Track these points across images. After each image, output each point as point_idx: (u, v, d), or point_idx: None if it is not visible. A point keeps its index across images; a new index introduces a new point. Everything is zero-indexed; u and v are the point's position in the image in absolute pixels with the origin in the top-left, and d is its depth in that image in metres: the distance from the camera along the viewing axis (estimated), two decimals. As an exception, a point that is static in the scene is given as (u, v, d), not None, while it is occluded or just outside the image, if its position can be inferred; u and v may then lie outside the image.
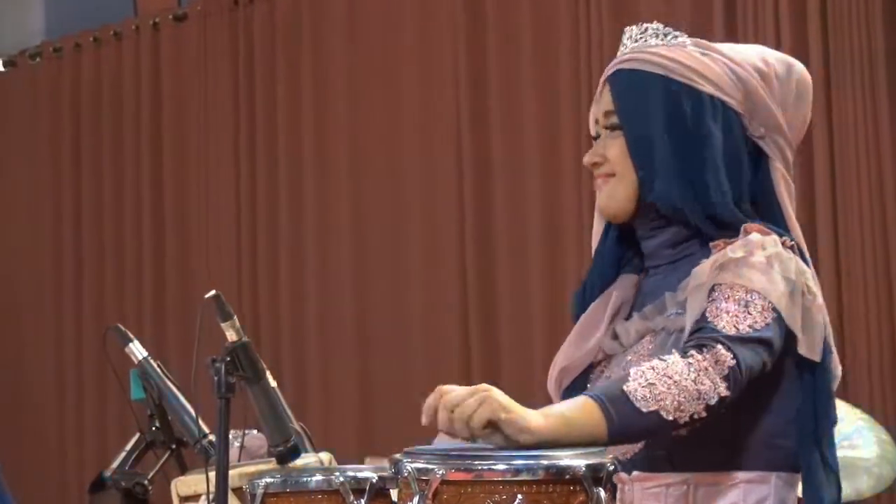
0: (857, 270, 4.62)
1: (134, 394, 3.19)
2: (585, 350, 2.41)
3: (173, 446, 3.19)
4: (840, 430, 3.96)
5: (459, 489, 1.89)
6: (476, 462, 1.90)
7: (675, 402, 2.07)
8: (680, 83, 2.34)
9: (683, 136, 2.33)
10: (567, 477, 1.89)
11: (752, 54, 2.41)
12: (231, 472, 2.42)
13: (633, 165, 2.36)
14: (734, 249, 2.26)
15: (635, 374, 2.08)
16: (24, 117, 6.99)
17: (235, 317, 2.56)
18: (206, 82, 6.40)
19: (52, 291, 6.78)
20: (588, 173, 2.49)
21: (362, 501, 2.27)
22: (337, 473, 2.31)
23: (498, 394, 1.99)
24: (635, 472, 2.27)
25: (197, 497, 2.65)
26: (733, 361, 2.12)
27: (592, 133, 2.45)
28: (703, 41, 2.42)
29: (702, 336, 2.16)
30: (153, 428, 3.20)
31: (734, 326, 2.17)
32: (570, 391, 2.40)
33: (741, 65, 2.36)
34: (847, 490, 3.93)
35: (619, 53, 2.44)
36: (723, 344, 2.13)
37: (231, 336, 2.53)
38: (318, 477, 2.32)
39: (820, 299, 2.28)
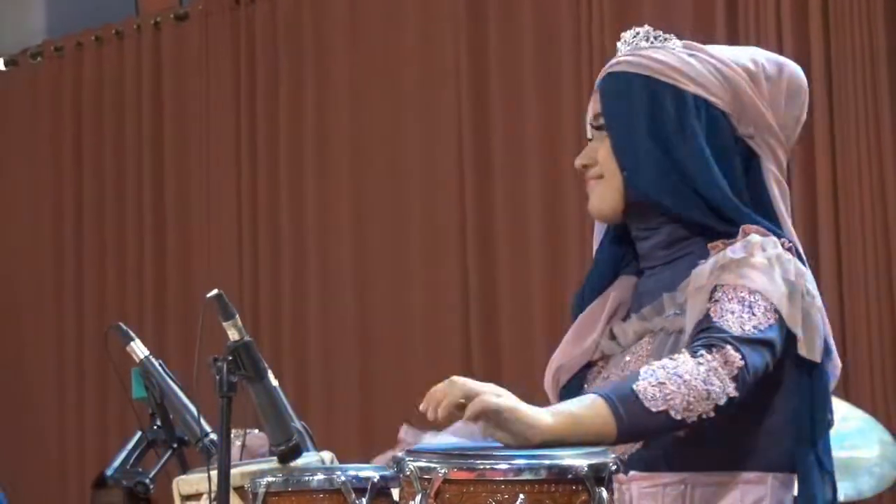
0: (859, 270, 4.61)
1: (135, 393, 3.19)
2: (582, 349, 2.42)
3: (175, 445, 3.19)
4: (842, 431, 3.97)
5: (462, 488, 1.89)
6: (478, 461, 1.90)
7: (685, 402, 2.08)
8: (663, 83, 2.37)
9: (667, 135, 2.35)
10: (569, 477, 1.89)
11: (742, 55, 2.42)
12: (233, 471, 2.42)
13: (617, 166, 2.38)
14: (734, 250, 2.27)
15: (645, 373, 2.08)
16: (26, 116, 6.99)
17: (238, 316, 2.56)
18: (208, 81, 6.40)
19: (53, 290, 6.78)
20: (587, 175, 2.51)
21: (364, 501, 2.27)
22: (339, 472, 2.31)
23: (495, 398, 1.99)
24: (632, 472, 2.27)
25: (198, 496, 2.65)
26: (742, 362, 2.13)
27: (589, 136, 2.47)
28: (695, 43, 2.45)
29: (710, 336, 2.16)
30: (154, 427, 3.21)
31: (740, 327, 2.18)
32: (566, 390, 2.42)
33: (728, 65, 2.38)
34: (849, 490, 3.94)
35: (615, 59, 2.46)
36: (731, 344, 2.14)
37: (233, 335, 2.53)
38: (320, 476, 2.33)
39: (819, 301, 2.29)
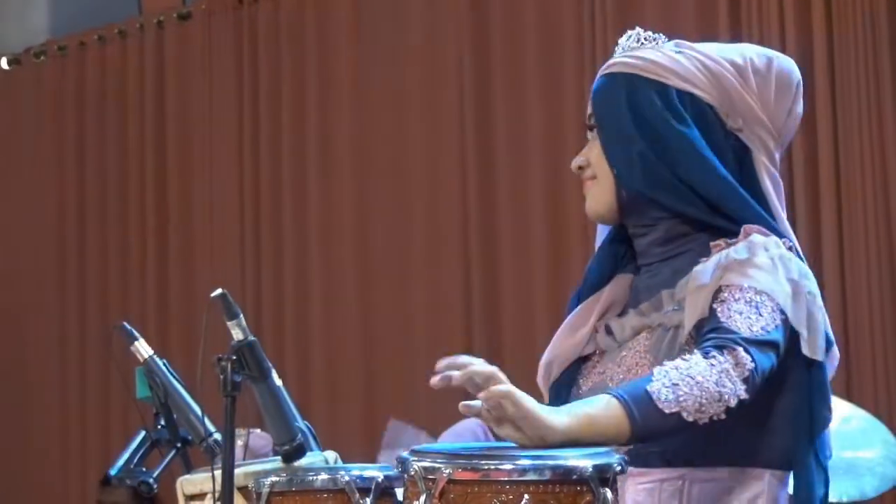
0: (862, 266, 4.62)
1: (139, 392, 3.18)
2: (572, 343, 2.43)
3: (178, 445, 3.19)
4: (844, 431, 3.98)
5: (466, 488, 1.89)
6: (483, 461, 1.90)
7: (697, 404, 2.08)
8: (649, 80, 2.39)
9: (655, 130, 2.36)
10: (574, 477, 1.89)
11: (730, 50, 2.44)
12: (237, 471, 2.42)
13: (608, 165, 2.40)
14: (738, 251, 2.27)
15: (658, 374, 2.08)
16: (29, 116, 6.99)
17: (242, 315, 2.56)
18: (211, 81, 6.40)
19: (56, 289, 6.78)
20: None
21: (368, 500, 2.27)
22: (342, 472, 2.31)
23: (519, 396, 1.99)
24: (629, 468, 2.27)
25: (202, 496, 2.65)
26: (752, 364, 2.13)
27: (588, 139, 2.49)
28: (684, 41, 2.47)
29: (720, 337, 2.16)
30: (158, 426, 3.21)
31: (748, 328, 2.18)
32: (558, 384, 2.43)
33: (715, 59, 2.40)
34: (851, 490, 3.94)
35: None
36: (742, 346, 2.14)
37: (237, 335, 2.53)
38: (324, 476, 2.32)
39: (819, 300, 2.30)
